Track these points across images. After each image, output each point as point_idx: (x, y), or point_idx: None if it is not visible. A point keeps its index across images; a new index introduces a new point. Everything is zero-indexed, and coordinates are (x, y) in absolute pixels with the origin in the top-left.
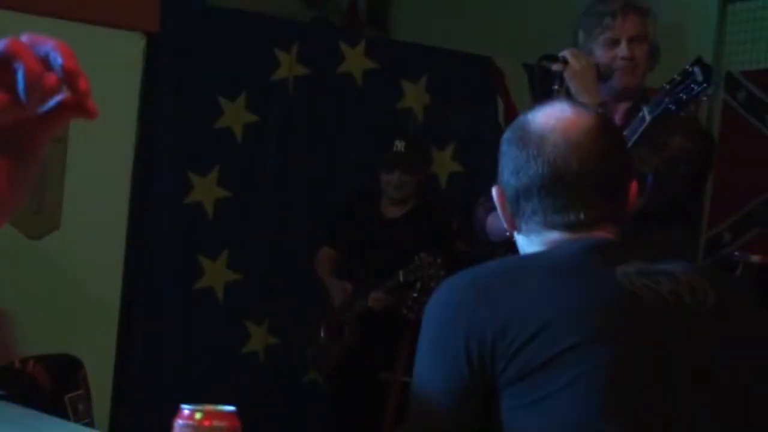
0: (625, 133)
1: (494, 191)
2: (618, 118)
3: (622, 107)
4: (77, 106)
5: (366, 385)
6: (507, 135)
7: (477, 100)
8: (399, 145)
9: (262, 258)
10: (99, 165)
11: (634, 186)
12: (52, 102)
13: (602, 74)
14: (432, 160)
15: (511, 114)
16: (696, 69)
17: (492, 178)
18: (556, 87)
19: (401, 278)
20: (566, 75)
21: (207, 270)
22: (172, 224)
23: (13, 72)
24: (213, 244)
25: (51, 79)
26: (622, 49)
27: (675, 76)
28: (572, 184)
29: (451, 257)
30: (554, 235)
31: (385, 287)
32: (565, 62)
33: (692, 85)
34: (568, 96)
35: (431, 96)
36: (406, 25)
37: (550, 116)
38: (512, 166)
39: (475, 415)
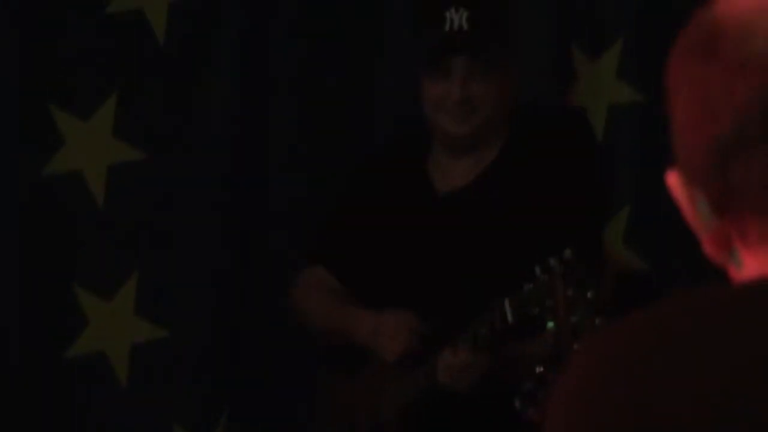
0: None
1: (671, 179)
2: None
3: None
4: None
5: None
6: (679, 45)
7: None
8: (456, 16)
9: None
10: None
11: None
12: None
13: None
14: (517, 57)
15: None
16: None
17: None
18: None
19: (509, 314)
20: None
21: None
22: None
23: None
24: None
25: None
26: None
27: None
28: None
29: (608, 282)
30: None
31: (474, 337)
32: None
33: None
34: None
35: None
36: None
37: None
38: (697, 101)
39: None
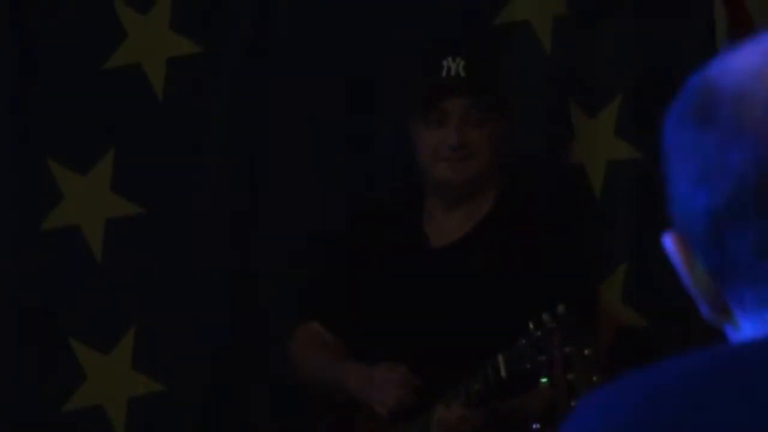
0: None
1: (668, 241)
2: None
3: None
4: None
5: None
6: (674, 111)
7: (667, 5)
8: (453, 64)
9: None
10: None
11: None
12: None
13: None
14: (510, 107)
15: (742, 30)
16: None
17: None
18: None
19: (502, 369)
20: None
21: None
22: None
23: None
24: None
25: None
26: None
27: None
28: None
29: (604, 339)
30: None
31: (467, 393)
32: None
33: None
34: None
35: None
36: None
37: (754, 55)
38: (692, 167)
39: None
